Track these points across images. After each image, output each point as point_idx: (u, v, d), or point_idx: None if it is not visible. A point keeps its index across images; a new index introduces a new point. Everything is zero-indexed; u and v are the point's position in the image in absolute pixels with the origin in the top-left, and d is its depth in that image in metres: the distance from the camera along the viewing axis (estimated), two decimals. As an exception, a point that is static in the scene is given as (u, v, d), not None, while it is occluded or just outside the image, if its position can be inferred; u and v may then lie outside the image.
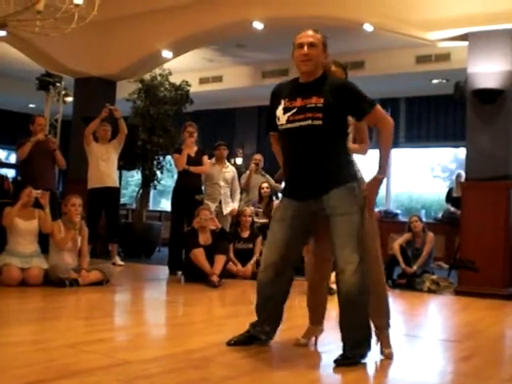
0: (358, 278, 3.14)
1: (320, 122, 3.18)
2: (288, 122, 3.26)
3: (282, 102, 3.31)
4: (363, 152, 3.67)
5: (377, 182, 3.32)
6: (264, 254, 3.45)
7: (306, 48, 3.26)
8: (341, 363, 3.15)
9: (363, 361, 3.24)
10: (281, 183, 8.57)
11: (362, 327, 3.25)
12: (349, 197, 3.21)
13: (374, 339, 3.36)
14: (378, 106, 3.30)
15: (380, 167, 3.30)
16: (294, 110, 3.25)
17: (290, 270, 3.43)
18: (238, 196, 8.14)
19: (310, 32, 3.31)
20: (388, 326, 3.50)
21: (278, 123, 3.31)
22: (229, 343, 3.44)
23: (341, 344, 3.27)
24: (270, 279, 3.37)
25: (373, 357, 3.40)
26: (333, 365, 3.16)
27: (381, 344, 3.46)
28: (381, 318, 3.47)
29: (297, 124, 3.23)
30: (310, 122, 3.20)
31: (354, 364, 3.17)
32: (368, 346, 3.27)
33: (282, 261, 3.33)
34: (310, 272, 3.66)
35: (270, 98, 3.46)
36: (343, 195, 3.20)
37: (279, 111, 3.31)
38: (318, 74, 3.32)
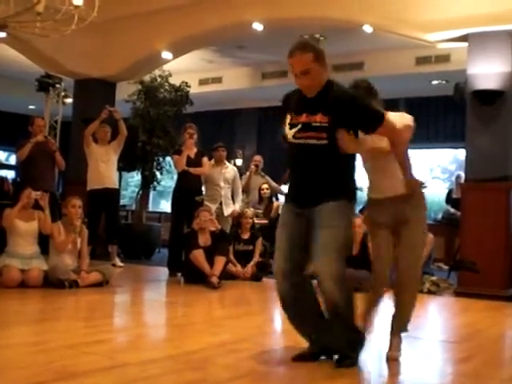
0: (332, 285, 3.13)
1: (325, 142, 3.15)
2: (294, 137, 3.22)
3: (288, 116, 3.27)
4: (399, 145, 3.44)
5: (409, 183, 3.35)
6: (274, 265, 3.37)
7: (300, 78, 3.17)
8: (343, 364, 3.17)
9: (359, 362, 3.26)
10: (286, 184, 8.60)
11: (349, 331, 3.25)
12: (338, 211, 3.17)
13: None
14: (387, 121, 3.21)
15: (404, 174, 3.34)
16: (300, 127, 3.20)
17: (301, 273, 3.31)
18: (240, 196, 8.13)
19: (298, 55, 3.14)
20: (401, 330, 3.52)
21: (286, 136, 3.30)
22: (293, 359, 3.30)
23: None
24: (287, 290, 3.27)
25: (373, 358, 3.40)
26: (333, 366, 3.16)
27: (390, 347, 3.47)
28: (396, 322, 3.52)
29: (302, 141, 3.20)
30: (314, 141, 3.16)
31: (354, 364, 3.19)
32: (360, 349, 3.30)
33: (290, 266, 3.26)
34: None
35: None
36: (333, 209, 3.16)
37: (286, 126, 3.28)
38: (322, 86, 3.21)
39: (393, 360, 3.40)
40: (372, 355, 3.50)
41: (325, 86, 3.21)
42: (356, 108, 3.18)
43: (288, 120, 3.26)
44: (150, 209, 12.89)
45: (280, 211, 3.60)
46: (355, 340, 3.27)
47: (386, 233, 3.48)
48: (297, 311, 3.30)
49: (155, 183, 9.93)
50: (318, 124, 3.15)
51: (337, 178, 3.24)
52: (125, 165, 9.19)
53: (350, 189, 3.31)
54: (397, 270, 3.49)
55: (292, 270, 3.25)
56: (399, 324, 3.51)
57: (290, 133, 3.24)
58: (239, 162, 12.32)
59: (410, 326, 3.53)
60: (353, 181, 3.35)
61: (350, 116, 3.16)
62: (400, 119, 3.47)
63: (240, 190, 8.15)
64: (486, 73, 6.57)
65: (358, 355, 3.26)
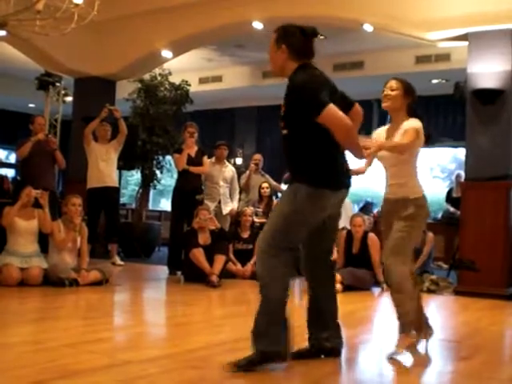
0: (258, 265, 3.20)
1: (286, 131, 3.17)
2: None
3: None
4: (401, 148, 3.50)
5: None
6: None
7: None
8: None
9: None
10: (286, 183, 8.61)
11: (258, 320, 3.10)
12: (288, 195, 3.16)
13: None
14: (328, 110, 3.00)
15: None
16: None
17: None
18: (237, 196, 8.14)
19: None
20: (402, 330, 3.53)
21: None
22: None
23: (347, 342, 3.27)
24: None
25: (373, 357, 3.40)
26: (333, 365, 3.16)
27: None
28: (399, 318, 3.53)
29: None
30: (283, 131, 3.19)
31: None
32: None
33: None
34: None
35: None
36: (285, 193, 3.24)
37: None
38: (287, 74, 3.19)
39: (391, 358, 3.40)
40: (372, 355, 3.50)
41: (292, 73, 3.16)
42: (297, 95, 3.09)
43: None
44: (150, 207, 12.89)
45: None
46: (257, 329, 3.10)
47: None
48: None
49: (155, 182, 9.93)
50: (281, 114, 3.19)
51: (299, 165, 3.18)
52: (125, 163, 9.19)
53: (313, 172, 3.13)
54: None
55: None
56: (399, 324, 3.52)
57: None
58: (239, 160, 12.32)
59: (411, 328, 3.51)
60: (320, 164, 3.14)
61: (294, 103, 3.10)
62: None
63: (237, 190, 8.16)
64: (486, 72, 6.57)
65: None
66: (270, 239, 3.11)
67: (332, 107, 3.00)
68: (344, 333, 3.36)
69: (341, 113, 3.04)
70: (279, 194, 9.19)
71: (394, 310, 3.53)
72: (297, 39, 3.17)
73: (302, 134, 3.13)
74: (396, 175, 3.61)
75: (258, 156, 8.94)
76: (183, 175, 7.33)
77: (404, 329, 3.49)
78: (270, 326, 3.04)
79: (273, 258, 3.09)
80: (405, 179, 3.58)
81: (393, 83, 3.65)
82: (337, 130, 3.02)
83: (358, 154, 3.19)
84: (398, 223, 3.52)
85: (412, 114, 3.65)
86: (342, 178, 3.22)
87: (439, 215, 10.19)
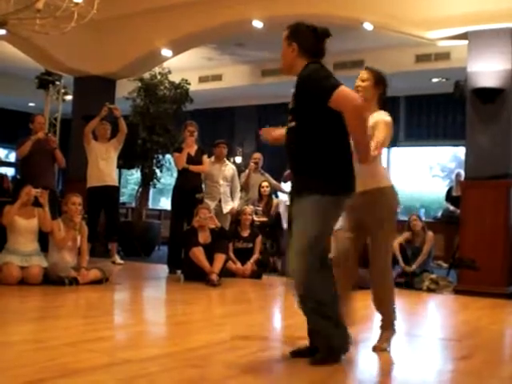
0: (309, 283, 3.12)
1: (294, 124, 3.17)
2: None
3: None
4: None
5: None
6: None
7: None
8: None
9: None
10: (286, 182, 8.61)
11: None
12: (309, 205, 3.10)
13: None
14: (339, 91, 2.97)
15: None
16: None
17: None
18: (238, 194, 8.13)
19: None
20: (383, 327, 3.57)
21: None
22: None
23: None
24: None
25: (373, 356, 3.40)
26: (333, 364, 3.16)
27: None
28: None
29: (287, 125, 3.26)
30: (290, 124, 3.19)
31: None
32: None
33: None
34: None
35: None
36: (305, 203, 3.10)
37: None
38: (296, 72, 3.19)
39: (378, 351, 3.47)
40: (372, 353, 3.50)
41: (301, 70, 3.16)
42: (307, 84, 3.11)
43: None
44: (150, 206, 12.88)
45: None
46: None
47: None
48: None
49: (155, 181, 9.93)
50: (290, 107, 3.20)
51: (309, 163, 3.13)
52: (125, 162, 9.19)
53: (325, 177, 3.11)
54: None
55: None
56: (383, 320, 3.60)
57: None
58: (239, 159, 12.31)
59: (407, 324, 3.54)
60: (330, 165, 3.12)
61: (304, 92, 3.10)
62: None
63: (238, 188, 8.15)
64: (486, 70, 6.57)
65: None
66: (309, 257, 3.09)
67: (344, 88, 3.00)
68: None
69: (354, 93, 3.06)
70: (279, 193, 9.19)
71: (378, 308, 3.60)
72: (308, 38, 3.18)
73: (311, 125, 3.11)
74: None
75: (257, 155, 8.94)
76: (183, 174, 7.33)
77: (385, 326, 3.57)
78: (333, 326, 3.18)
79: (317, 273, 3.12)
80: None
81: (363, 74, 3.61)
82: (348, 111, 2.99)
83: (366, 150, 3.13)
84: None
85: (382, 105, 3.60)
86: (353, 180, 3.19)
87: (439, 214, 10.18)
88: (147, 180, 9.87)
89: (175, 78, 9.76)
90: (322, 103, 3.02)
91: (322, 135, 3.11)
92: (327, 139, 3.12)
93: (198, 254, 6.39)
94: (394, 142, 11.40)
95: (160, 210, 12.83)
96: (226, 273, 6.65)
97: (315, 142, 3.11)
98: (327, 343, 3.15)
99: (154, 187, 10.48)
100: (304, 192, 3.12)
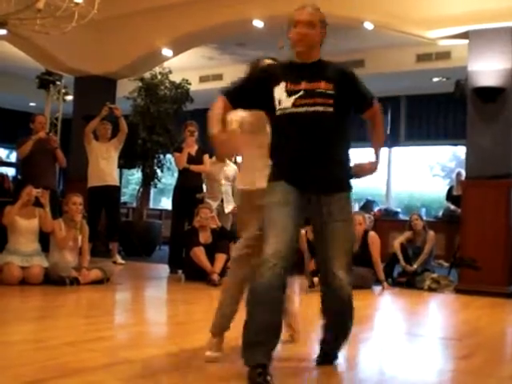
0: (349, 282, 3.03)
1: (332, 109, 2.92)
2: (294, 105, 2.92)
3: (283, 83, 2.97)
4: None
5: (369, 167, 3.10)
6: (271, 245, 2.80)
7: (302, 28, 3.02)
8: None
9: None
10: None
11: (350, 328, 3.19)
12: (348, 205, 3.04)
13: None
14: (377, 103, 3.14)
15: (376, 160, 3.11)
16: (301, 93, 2.92)
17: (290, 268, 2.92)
18: None
19: (310, 9, 3.06)
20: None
21: (279, 106, 2.95)
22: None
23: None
24: (281, 281, 2.79)
25: (373, 355, 3.40)
26: (330, 365, 3.16)
27: None
28: None
29: (305, 109, 2.91)
30: (320, 108, 2.91)
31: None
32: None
33: (291, 256, 2.84)
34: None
35: (254, 73, 3.22)
36: (344, 204, 2.99)
37: (280, 93, 2.96)
38: (316, 56, 3.05)
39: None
40: (373, 353, 3.50)
41: (319, 59, 3.07)
42: (356, 82, 3.08)
43: (283, 87, 2.96)
44: (151, 206, 12.89)
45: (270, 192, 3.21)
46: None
47: None
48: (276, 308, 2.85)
49: (156, 180, 9.93)
50: (323, 90, 2.93)
51: (344, 159, 3.04)
52: (125, 162, 9.19)
53: (349, 173, 3.08)
54: None
55: (289, 259, 2.82)
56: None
57: (288, 100, 2.93)
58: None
59: (408, 323, 3.52)
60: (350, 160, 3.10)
61: (351, 88, 3.03)
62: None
63: None
64: (486, 70, 6.56)
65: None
66: (349, 261, 3.06)
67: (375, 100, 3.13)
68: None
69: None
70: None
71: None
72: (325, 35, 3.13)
73: (345, 118, 3.05)
74: None
75: (258, 154, 8.92)
76: (184, 174, 7.33)
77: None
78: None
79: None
80: None
81: None
82: (381, 125, 3.17)
83: (379, 155, 3.15)
84: None
85: None
86: None
87: (440, 213, 10.18)
88: (148, 180, 9.87)
89: (176, 77, 9.76)
90: (359, 107, 3.10)
91: (348, 129, 3.10)
92: (349, 134, 3.12)
93: (199, 253, 6.39)
94: (394, 142, 11.42)
95: (161, 210, 12.83)
96: (226, 273, 6.63)
97: (347, 136, 3.09)
98: (347, 336, 3.16)
99: (155, 187, 10.49)
100: (344, 186, 3.03)
